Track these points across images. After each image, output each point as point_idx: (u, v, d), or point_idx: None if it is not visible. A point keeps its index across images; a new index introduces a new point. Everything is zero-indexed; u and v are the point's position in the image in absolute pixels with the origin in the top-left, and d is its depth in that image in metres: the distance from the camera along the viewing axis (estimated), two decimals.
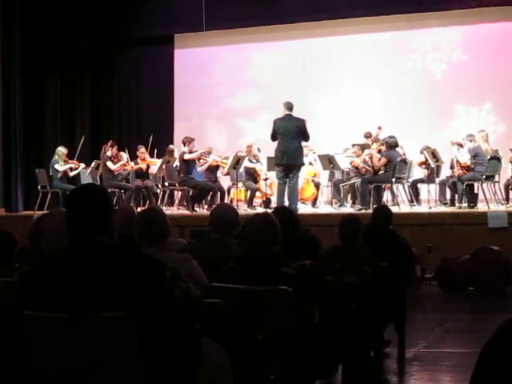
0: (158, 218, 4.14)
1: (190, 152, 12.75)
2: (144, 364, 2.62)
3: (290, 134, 10.95)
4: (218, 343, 3.13)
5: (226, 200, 13.23)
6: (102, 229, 2.79)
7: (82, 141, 13.81)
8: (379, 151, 12.31)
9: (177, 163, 13.19)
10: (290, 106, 11.12)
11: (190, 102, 15.97)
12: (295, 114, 11.27)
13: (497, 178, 11.83)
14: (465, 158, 11.81)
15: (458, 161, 11.93)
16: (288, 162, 10.99)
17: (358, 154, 12.76)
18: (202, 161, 13.13)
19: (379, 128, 13.38)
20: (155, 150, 13.79)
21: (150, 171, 13.49)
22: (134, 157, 13.54)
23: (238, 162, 12.54)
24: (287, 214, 5.40)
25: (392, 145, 11.99)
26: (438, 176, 12.58)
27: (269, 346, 3.61)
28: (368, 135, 13.38)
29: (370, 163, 12.36)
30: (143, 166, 13.26)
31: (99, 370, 2.65)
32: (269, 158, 12.49)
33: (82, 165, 13.59)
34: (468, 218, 10.53)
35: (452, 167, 12.42)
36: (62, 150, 13.40)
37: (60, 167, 13.18)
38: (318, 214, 11.88)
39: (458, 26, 14.48)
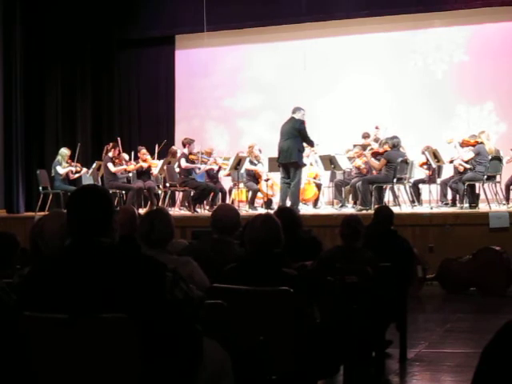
0: (160, 222, 4.09)
1: (190, 153, 12.76)
2: (144, 365, 2.63)
3: (284, 135, 11.32)
4: (219, 344, 3.13)
5: (228, 201, 13.25)
6: (104, 230, 2.79)
7: (78, 148, 13.75)
8: (376, 154, 12.29)
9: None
10: (293, 110, 11.44)
11: (191, 103, 15.98)
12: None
13: (498, 179, 11.81)
14: (468, 155, 11.77)
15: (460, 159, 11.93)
16: (281, 161, 11.34)
17: (359, 155, 12.77)
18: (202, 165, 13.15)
19: (376, 128, 13.42)
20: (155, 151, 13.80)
21: (151, 172, 13.49)
22: (135, 158, 13.53)
23: (239, 162, 12.55)
24: (289, 214, 5.40)
25: (395, 145, 11.99)
26: (439, 176, 12.57)
27: (270, 346, 3.60)
28: (366, 135, 13.43)
29: (371, 163, 12.39)
30: (144, 164, 13.25)
31: (99, 371, 2.65)
32: (270, 159, 12.52)
33: (85, 169, 13.59)
34: (469, 218, 10.52)
35: (452, 162, 12.30)
36: (65, 151, 13.40)
37: (61, 170, 13.17)
38: (320, 215, 11.87)
39: (460, 26, 14.48)
